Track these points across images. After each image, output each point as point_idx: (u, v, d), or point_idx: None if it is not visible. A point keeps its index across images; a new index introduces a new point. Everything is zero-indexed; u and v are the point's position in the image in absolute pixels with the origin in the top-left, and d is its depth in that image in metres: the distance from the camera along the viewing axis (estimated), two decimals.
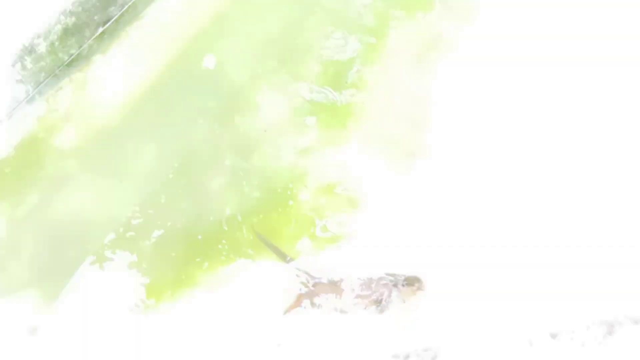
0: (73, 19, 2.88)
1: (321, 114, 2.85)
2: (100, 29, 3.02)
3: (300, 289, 2.36)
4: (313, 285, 2.36)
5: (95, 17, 2.97)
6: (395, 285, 2.32)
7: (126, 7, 3.04)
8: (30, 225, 2.63)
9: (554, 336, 1.87)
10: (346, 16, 3.03)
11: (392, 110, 2.84)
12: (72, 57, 2.96)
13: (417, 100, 2.86)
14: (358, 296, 2.32)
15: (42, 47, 2.83)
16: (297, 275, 2.40)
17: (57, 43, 2.87)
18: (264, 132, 2.79)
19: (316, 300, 2.34)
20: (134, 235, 2.59)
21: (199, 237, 2.58)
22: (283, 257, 2.46)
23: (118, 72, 2.94)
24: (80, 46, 2.97)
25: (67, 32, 2.88)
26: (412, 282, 2.32)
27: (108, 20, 3.04)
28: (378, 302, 2.32)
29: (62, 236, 2.60)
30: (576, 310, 1.99)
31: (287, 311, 2.34)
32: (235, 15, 3.10)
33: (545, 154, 2.66)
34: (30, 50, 2.80)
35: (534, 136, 2.71)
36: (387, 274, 2.37)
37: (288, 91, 2.91)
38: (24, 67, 2.82)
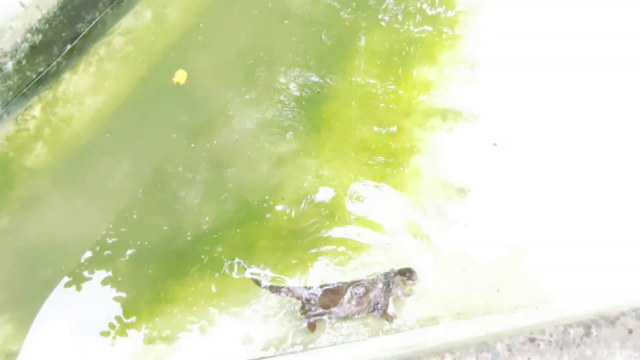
0: (40, 36, 2.85)
1: (295, 125, 2.84)
2: (69, 46, 3.00)
3: (306, 316, 2.34)
4: (309, 306, 2.35)
5: (63, 34, 2.95)
6: (388, 282, 2.33)
7: (94, 23, 3.01)
8: (1, 248, 2.58)
9: (532, 340, 1.86)
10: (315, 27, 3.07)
11: (368, 117, 2.85)
12: (41, 75, 2.93)
13: (396, 103, 2.88)
14: (355, 298, 2.32)
15: (9, 66, 2.79)
16: (289, 299, 2.39)
17: (24, 61, 2.83)
18: (234, 141, 2.78)
19: (322, 315, 2.34)
20: (110, 254, 2.55)
21: (176, 252, 2.55)
22: (259, 283, 2.44)
23: (88, 89, 2.92)
24: (49, 64, 2.94)
25: (35, 50, 2.85)
26: (404, 273, 2.33)
27: (76, 37, 3.01)
28: (375, 303, 2.32)
29: (35, 258, 2.56)
30: (553, 313, 1.99)
31: (313, 331, 2.34)
32: (205, 28, 3.10)
33: (541, 156, 2.69)
34: None
35: (529, 136, 2.74)
36: (377, 275, 2.38)
37: (261, 102, 2.90)
38: None
